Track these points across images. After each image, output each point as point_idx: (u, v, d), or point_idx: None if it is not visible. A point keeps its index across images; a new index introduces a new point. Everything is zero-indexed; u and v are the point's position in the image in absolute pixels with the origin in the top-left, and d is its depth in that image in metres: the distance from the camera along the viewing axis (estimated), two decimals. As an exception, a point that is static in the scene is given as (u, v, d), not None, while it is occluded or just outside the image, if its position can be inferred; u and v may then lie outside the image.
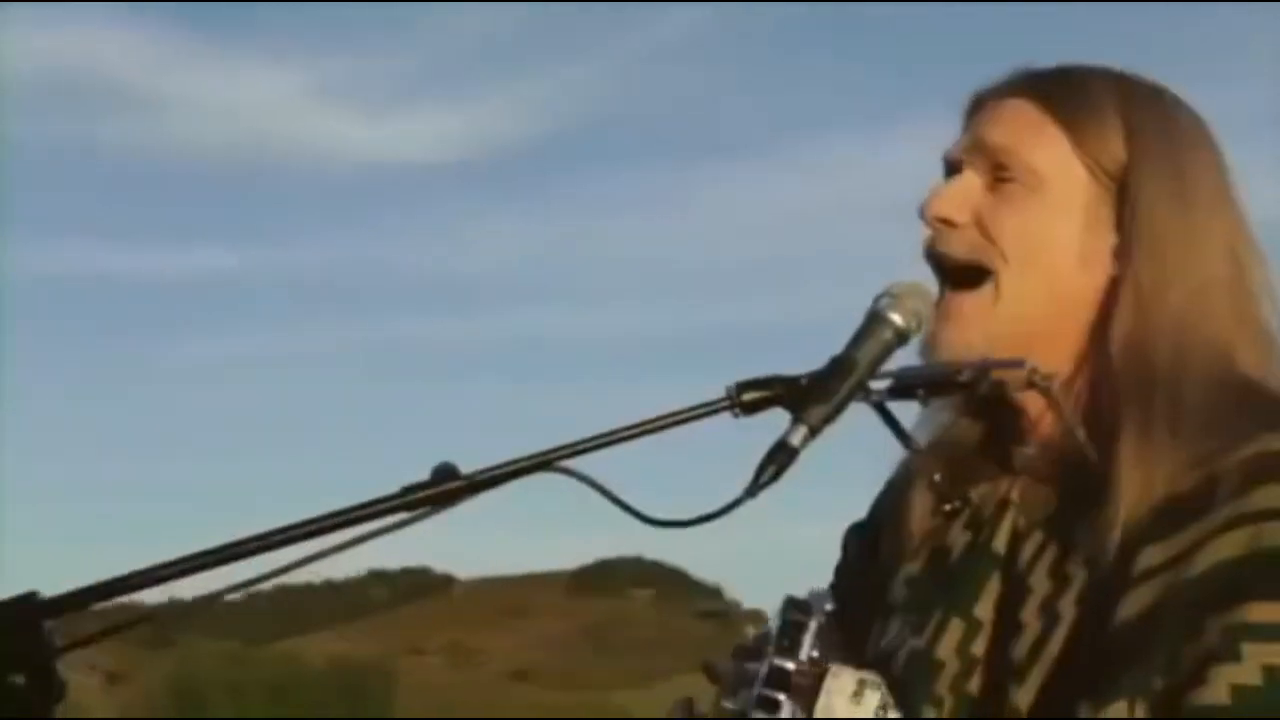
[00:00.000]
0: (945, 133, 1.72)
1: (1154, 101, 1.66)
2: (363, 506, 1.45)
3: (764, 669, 1.43)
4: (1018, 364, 1.59)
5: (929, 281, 1.64)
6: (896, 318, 1.55)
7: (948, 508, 1.69)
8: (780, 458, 1.48)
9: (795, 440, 1.48)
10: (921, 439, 1.70)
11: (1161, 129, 1.64)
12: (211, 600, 1.44)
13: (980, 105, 1.69)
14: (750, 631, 1.47)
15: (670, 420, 1.50)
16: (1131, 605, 1.52)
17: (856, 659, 1.65)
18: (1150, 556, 1.52)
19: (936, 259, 1.65)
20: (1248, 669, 1.47)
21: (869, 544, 1.79)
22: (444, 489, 1.46)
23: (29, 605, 1.42)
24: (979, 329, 1.61)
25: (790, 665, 1.44)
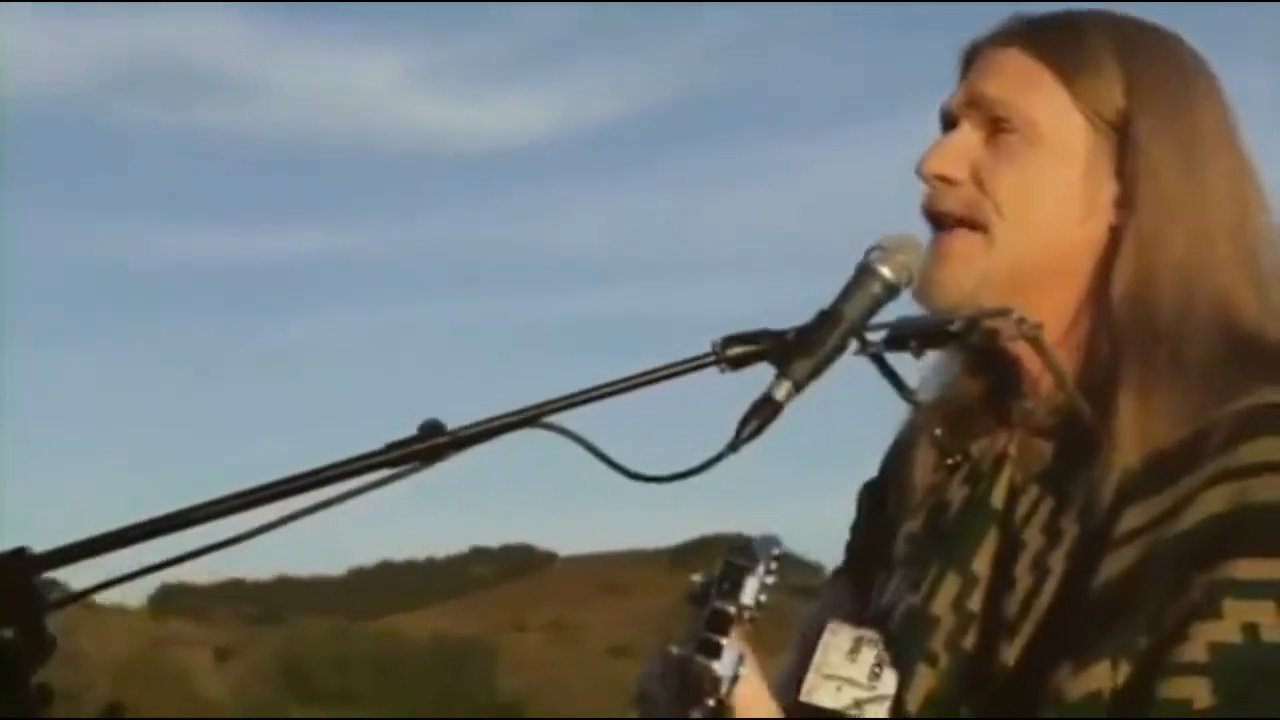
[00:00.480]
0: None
1: (1153, 45, 1.63)
2: (348, 462, 1.46)
3: (705, 612, 1.43)
4: (1004, 312, 1.57)
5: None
6: (886, 271, 1.54)
7: (949, 462, 1.68)
8: (763, 412, 1.47)
9: (779, 395, 1.48)
10: (924, 395, 1.69)
11: (1161, 74, 1.61)
12: (194, 556, 1.44)
13: (976, 55, 1.66)
14: (697, 578, 1.47)
15: (657, 375, 1.50)
16: (1114, 565, 1.51)
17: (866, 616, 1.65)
18: (1136, 515, 1.51)
19: (934, 217, 1.64)
20: (1228, 626, 1.45)
21: (877, 501, 1.78)
22: (430, 444, 1.47)
23: (20, 559, 1.43)
24: (971, 269, 1.60)
25: (731, 609, 1.43)
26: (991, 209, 1.60)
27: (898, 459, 1.75)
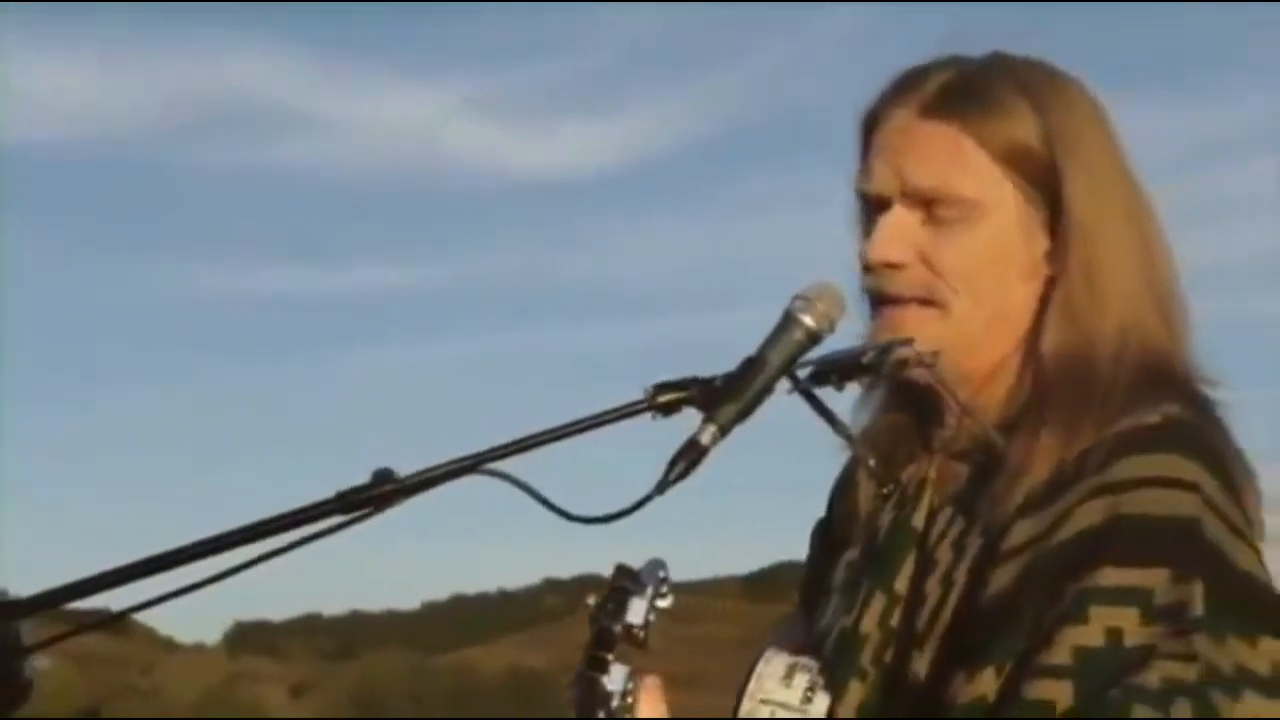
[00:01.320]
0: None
1: (1063, 97, 1.70)
2: (302, 511, 1.55)
3: (593, 631, 1.51)
4: (907, 342, 1.65)
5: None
6: (808, 320, 1.61)
7: (884, 491, 1.76)
8: (690, 455, 1.55)
9: (704, 439, 1.56)
10: (857, 428, 1.77)
11: (1075, 127, 1.68)
12: (163, 600, 1.54)
13: (884, 123, 1.71)
14: (591, 600, 1.55)
15: (592, 422, 1.59)
16: (1002, 576, 1.59)
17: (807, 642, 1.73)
18: (1024, 529, 1.59)
19: (887, 300, 1.70)
20: (1092, 630, 1.52)
21: (826, 536, 1.87)
22: (379, 491, 1.56)
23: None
24: (927, 339, 1.67)
25: (616, 627, 1.51)
26: (946, 289, 1.67)
27: (842, 494, 1.83)
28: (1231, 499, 1.58)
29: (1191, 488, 1.56)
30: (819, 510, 1.90)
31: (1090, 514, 1.56)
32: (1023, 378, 1.68)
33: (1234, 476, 1.60)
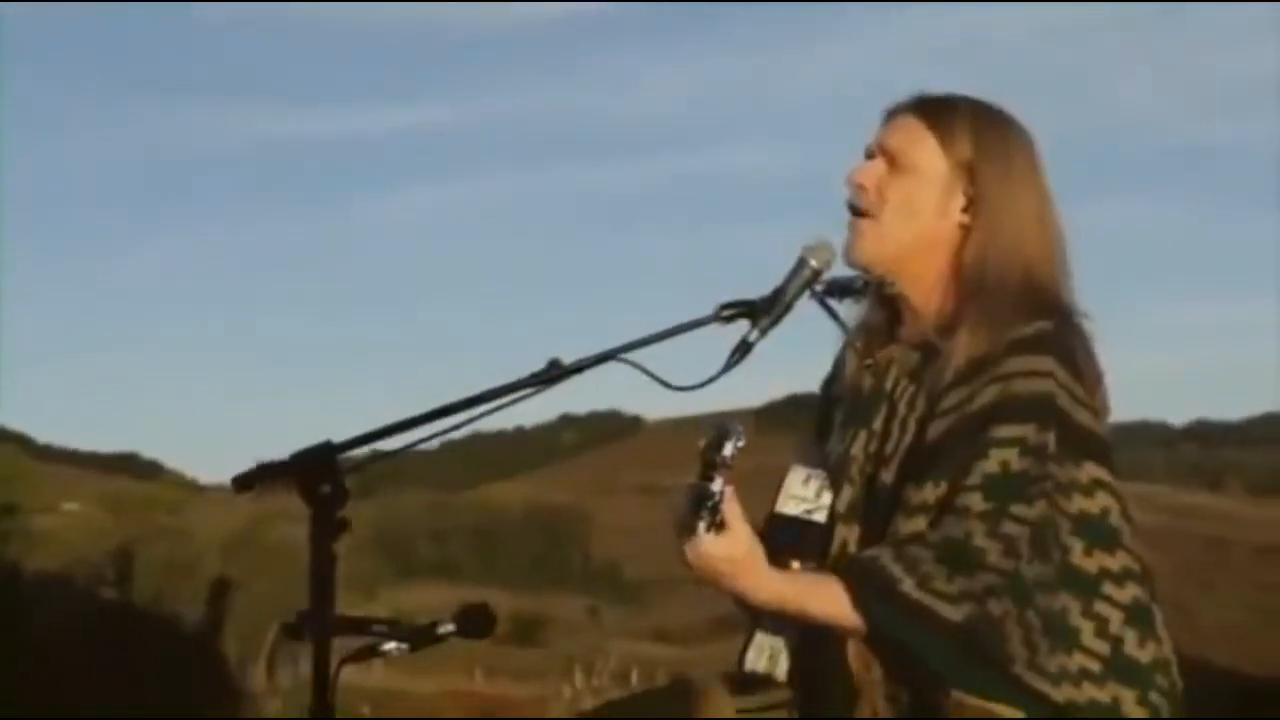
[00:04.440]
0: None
1: (993, 122, 2.68)
2: (505, 387, 2.54)
3: (702, 459, 2.43)
4: (880, 280, 2.66)
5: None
6: (813, 261, 2.61)
7: (866, 364, 2.73)
8: (744, 349, 2.56)
9: (752, 338, 2.56)
10: (851, 324, 2.76)
11: (994, 139, 2.66)
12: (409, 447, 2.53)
13: (893, 115, 2.71)
14: (701, 442, 2.47)
15: (682, 328, 2.57)
16: (939, 427, 2.56)
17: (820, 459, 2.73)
18: (952, 398, 2.56)
19: (852, 209, 2.68)
20: (991, 463, 2.51)
21: (828, 389, 2.86)
22: (552, 375, 2.55)
23: (326, 447, 2.50)
24: (870, 242, 2.65)
25: (716, 458, 2.42)
26: (883, 207, 2.65)
27: (839, 365, 2.83)
28: (1076, 380, 2.54)
29: (1048, 375, 2.52)
30: (819, 351, 2.86)
31: (990, 393, 2.53)
32: (951, 292, 2.66)
33: (1079, 366, 2.56)
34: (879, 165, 2.69)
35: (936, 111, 2.68)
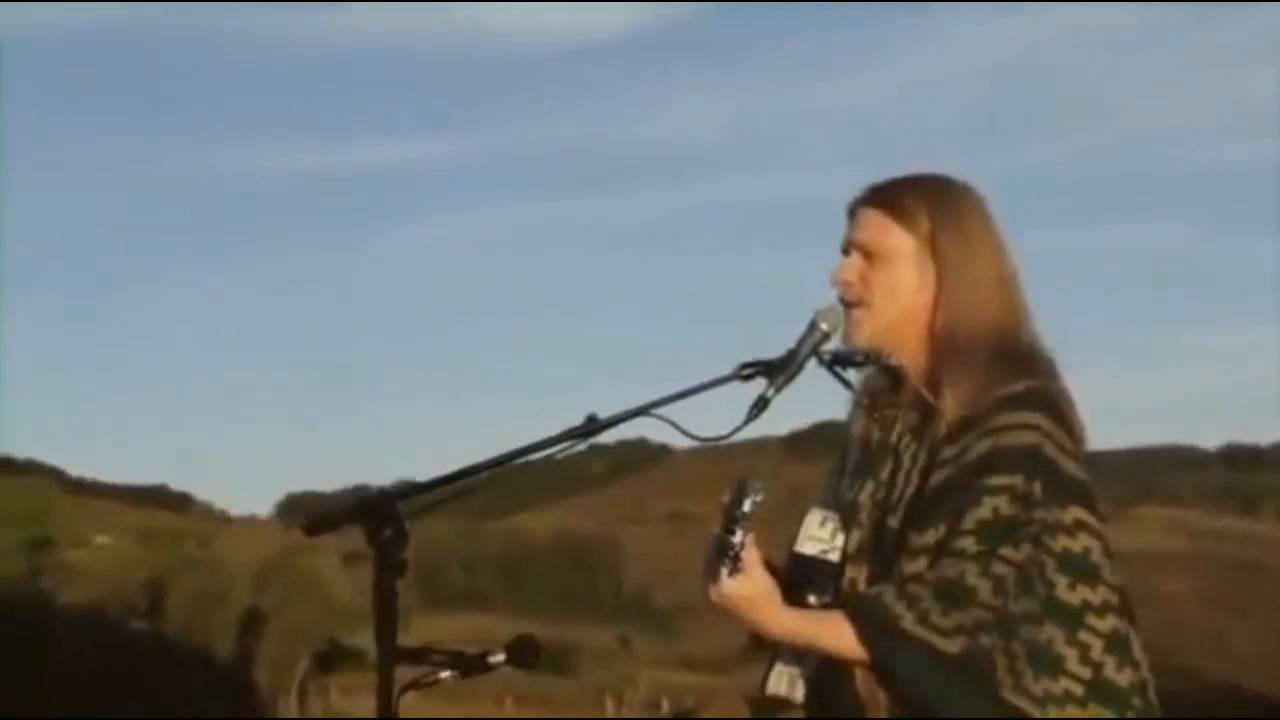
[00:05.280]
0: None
1: (943, 192, 2.96)
2: (544, 443, 2.83)
3: (724, 514, 2.71)
4: (882, 353, 2.94)
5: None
6: (824, 325, 2.90)
7: (874, 418, 3.02)
8: (761, 404, 2.83)
9: (769, 394, 2.84)
10: (859, 386, 3.04)
11: (949, 210, 2.94)
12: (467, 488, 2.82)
13: (855, 210, 2.99)
14: (723, 499, 2.75)
15: (706, 385, 2.85)
16: (939, 477, 2.83)
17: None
18: (949, 451, 2.84)
19: (844, 303, 2.96)
20: (985, 509, 2.78)
21: (843, 446, 3.14)
22: (591, 428, 2.84)
23: (386, 493, 2.78)
24: (866, 331, 2.94)
25: (736, 513, 2.70)
26: (871, 296, 2.94)
27: (850, 422, 3.10)
28: (1062, 431, 2.82)
29: (1035, 429, 2.80)
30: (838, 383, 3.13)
31: (983, 446, 2.81)
32: (930, 353, 2.93)
33: (1065, 418, 2.84)
34: (857, 260, 2.98)
35: (892, 199, 2.97)
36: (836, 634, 2.77)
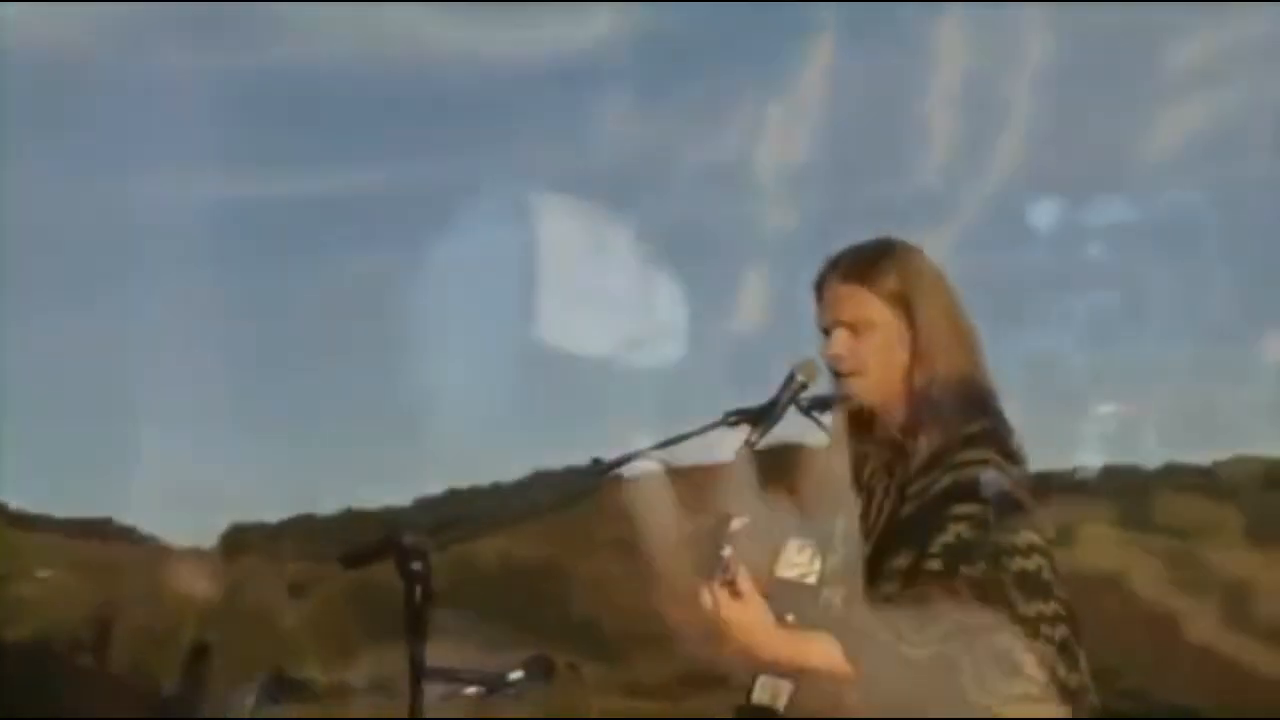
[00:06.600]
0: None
1: (907, 259, 3.32)
2: (553, 489, 3.17)
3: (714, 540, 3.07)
4: (854, 398, 3.31)
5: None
6: (800, 376, 3.26)
7: (850, 456, 3.35)
8: (747, 446, 3.20)
9: (753, 439, 3.20)
10: (832, 429, 3.40)
11: (913, 273, 3.31)
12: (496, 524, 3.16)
13: (826, 285, 3.35)
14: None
15: (697, 431, 3.21)
16: (908, 508, 3.20)
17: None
18: (917, 485, 3.21)
19: (839, 374, 3.32)
20: (949, 535, 3.13)
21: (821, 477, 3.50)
22: (597, 471, 3.19)
23: (414, 529, 3.11)
24: (869, 396, 3.28)
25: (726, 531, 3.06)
26: (863, 366, 3.30)
27: (826, 456, 3.45)
28: (1012, 464, 3.20)
29: (989, 463, 3.17)
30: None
31: (946, 480, 3.17)
32: (907, 401, 3.30)
33: (1014, 452, 3.22)
34: (844, 335, 3.33)
35: (861, 271, 3.32)
36: (823, 653, 3.10)
